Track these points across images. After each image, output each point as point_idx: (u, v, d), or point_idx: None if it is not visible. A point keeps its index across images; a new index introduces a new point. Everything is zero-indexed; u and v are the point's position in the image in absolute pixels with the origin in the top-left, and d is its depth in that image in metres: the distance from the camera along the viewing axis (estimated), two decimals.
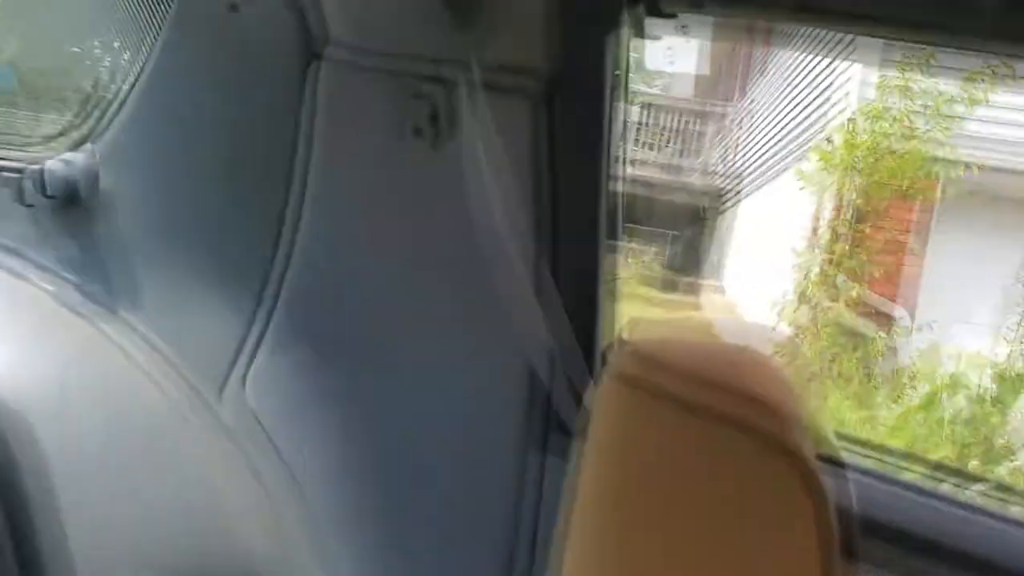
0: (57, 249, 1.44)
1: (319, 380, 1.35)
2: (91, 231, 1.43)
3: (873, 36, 1.03)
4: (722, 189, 11.69)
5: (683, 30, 1.08)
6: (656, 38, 1.03)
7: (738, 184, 11.32)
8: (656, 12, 1.01)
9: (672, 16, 1.03)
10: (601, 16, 0.99)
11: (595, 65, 1.02)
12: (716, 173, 12.14)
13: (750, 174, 10.82)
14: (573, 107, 1.06)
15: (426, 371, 1.29)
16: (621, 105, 1.07)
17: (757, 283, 9.05)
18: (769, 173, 9.75)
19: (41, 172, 1.38)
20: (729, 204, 11.38)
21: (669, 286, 9.30)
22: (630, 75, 1.08)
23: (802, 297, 7.30)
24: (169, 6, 1.28)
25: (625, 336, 0.77)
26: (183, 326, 1.42)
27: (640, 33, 1.01)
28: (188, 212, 1.40)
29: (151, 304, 1.41)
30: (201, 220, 1.39)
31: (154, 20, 1.31)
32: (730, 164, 12.02)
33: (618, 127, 1.08)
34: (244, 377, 1.38)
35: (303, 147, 1.24)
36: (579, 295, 1.12)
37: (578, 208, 1.09)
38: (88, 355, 1.40)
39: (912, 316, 7.58)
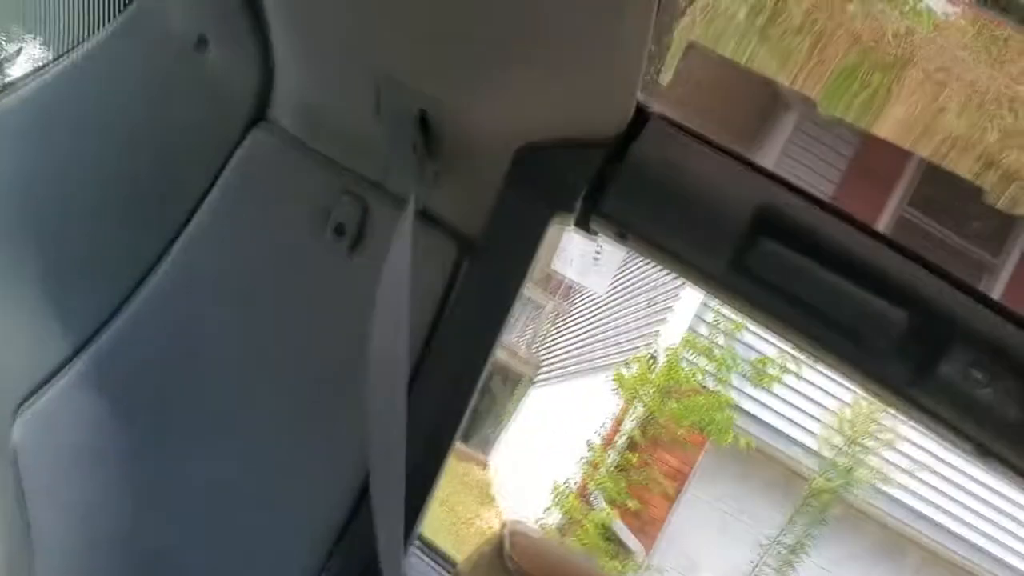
0: None
1: (109, 437, 1.23)
2: None
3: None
4: (538, 364, 12.04)
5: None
6: (594, 234, 1.08)
7: (550, 369, 11.68)
8: (584, 227, 1.06)
9: (593, 233, 1.08)
10: (555, 202, 1.03)
11: (528, 236, 1.06)
12: (536, 350, 12.52)
13: (565, 363, 11.21)
14: (495, 265, 1.08)
15: (242, 468, 1.20)
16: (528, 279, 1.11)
17: (532, 467, 9.22)
18: (580, 367, 10.13)
19: None
20: (535, 382, 11.69)
21: None
22: None
23: (561, 501, 7.46)
24: (111, 18, 1.20)
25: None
26: None
27: (584, 226, 1.06)
28: (45, 218, 1.28)
29: None
30: (58, 234, 1.28)
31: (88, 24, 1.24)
32: (549, 348, 12.44)
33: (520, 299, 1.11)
34: (18, 408, 1.24)
35: (211, 202, 1.17)
36: (427, 449, 1.09)
37: (462, 362, 1.10)
38: None
39: (646, 554, 7.88)
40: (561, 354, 11.86)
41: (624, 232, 1.03)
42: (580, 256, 8.78)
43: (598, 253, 8.66)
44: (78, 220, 1.26)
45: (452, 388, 1.09)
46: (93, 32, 1.27)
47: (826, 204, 0.98)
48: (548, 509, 7.65)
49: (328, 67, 1.04)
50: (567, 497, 7.50)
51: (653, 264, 1.18)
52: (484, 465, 10.93)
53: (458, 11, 0.81)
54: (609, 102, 0.92)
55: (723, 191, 0.99)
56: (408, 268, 0.93)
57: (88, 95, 1.24)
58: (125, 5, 1.19)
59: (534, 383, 12.05)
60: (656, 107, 0.99)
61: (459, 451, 9.51)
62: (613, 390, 7.61)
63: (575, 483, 7.69)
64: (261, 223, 1.18)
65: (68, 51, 1.25)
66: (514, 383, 12.02)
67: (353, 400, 1.12)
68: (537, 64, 0.86)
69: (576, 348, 11.19)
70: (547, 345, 12.84)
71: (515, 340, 12.36)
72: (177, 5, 1.14)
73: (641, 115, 0.97)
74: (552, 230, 1.07)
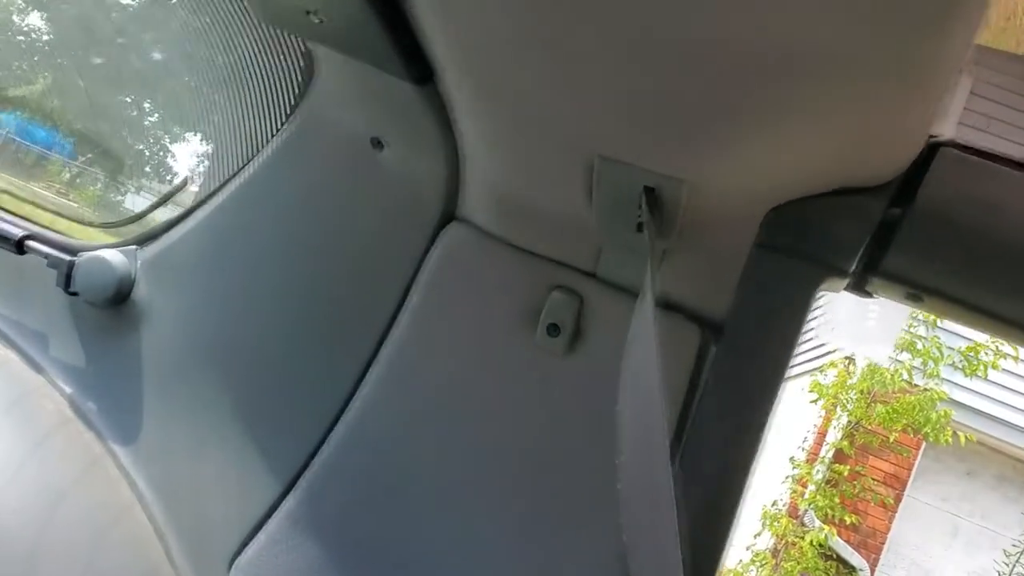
0: (86, 348, 1.24)
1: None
2: (125, 340, 1.23)
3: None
4: None
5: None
6: (871, 296, 0.89)
7: None
8: (859, 289, 0.88)
9: (867, 295, 0.90)
10: (823, 265, 0.85)
11: (792, 309, 0.87)
12: None
13: None
14: (754, 348, 0.89)
15: None
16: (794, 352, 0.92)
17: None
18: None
19: (70, 265, 1.20)
20: None
21: None
22: None
23: (771, 524, 7.08)
24: (284, 121, 1.11)
25: None
26: (203, 478, 1.19)
27: (860, 289, 0.87)
28: (239, 351, 1.20)
29: (174, 440, 1.20)
30: (253, 364, 1.19)
31: (263, 133, 1.16)
32: None
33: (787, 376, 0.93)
34: (233, 559, 1.16)
35: (410, 311, 1.07)
36: (699, 560, 0.93)
37: (722, 464, 0.92)
38: (89, 479, 1.18)
39: (872, 571, 7.38)
40: None
41: (918, 292, 0.83)
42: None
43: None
44: (271, 348, 1.17)
45: (720, 489, 0.91)
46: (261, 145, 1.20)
47: None
48: (758, 534, 7.27)
49: (527, 154, 0.90)
50: (778, 519, 7.10)
51: (957, 323, 0.95)
52: None
53: (693, 74, 0.63)
54: (897, 139, 0.71)
55: None
56: (657, 361, 0.76)
57: (263, 214, 1.15)
58: (290, 114, 1.10)
59: None
60: (945, 133, 0.76)
61: None
62: (811, 401, 7.18)
63: (784, 503, 7.28)
64: (466, 328, 1.07)
65: (239, 170, 1.17)
66: None
67: (596, 506, 1.01)
68: (797, 114, 0.66)
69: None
70: None
71: None
72: (348, 106, 1.04)
73: (927, 146, 0.76)
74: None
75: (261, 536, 1.15)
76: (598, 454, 1.00)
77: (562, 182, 0.88)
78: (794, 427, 7.71)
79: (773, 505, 7.26)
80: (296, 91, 1.08)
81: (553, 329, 1.01)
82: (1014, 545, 6.92)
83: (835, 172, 0.76)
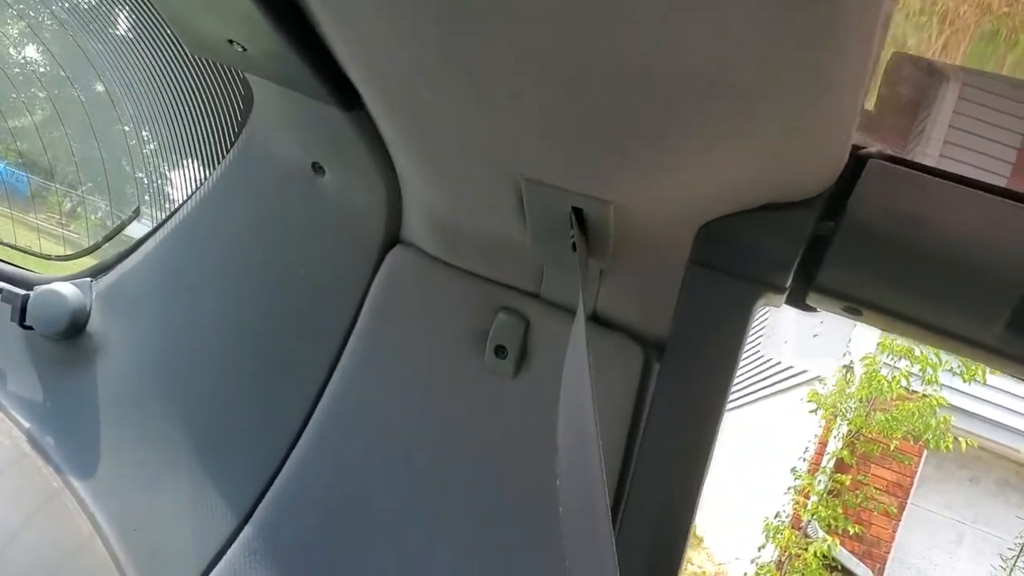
0: (43, 381, 1.23)
1: None
2: (81, 373, 1.22)
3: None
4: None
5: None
6: (812, 310, 0.87)
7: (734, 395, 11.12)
8: (799, 303, 0.87)
9: (811, 309, 0.89)
10: (759, 280, 0.84)
11: (732, 324, 0.86)
12: None
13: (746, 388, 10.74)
14: (696, 363, 0.88)
15: None
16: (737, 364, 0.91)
17: (737, 503, 8.80)
18: (771, 388, 9.62)
19: (24, 299, 1.19)
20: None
21: None
22: None
23: (774, 536, 7.03)
24: (227, 149, 1.11)
25: None
26: (160, 510, 1.18)
27: (799, 303, 0.86)
28: (193, 382, 1.19)
29: (131, 473, 1.19)
30: (206, 395, 1.18)
31: (208, 161, 1.16)
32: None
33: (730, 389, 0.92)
34: None
35: (359, 337, 1.07)
36: None
37: (675, 477, 0.91)
38: (46, 514, 1.17)
39: None
40: (742, 378, 11.39)
41: (855, 305, 0.82)
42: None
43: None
44: (224, 378, 1.16)
45: (667, 508, 0.90)
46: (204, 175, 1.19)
47: None
48: (762, 547, 7.23)
49: (456, 178, 0.90)
50: (781, 531, 7.06)
51: (896, 337, 0.93)
52: None
53: (611, 96, 0.63)
54: (819, 153, 0.71)
55: (986, 236, 0.75)
56: (590, 381, 0.75)
57: (211, 242, 1.15)
58: (232, 143, 1.10)
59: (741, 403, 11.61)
60: (872, 145, 0.77)
61: None
62: (811, 411, 7.15)
63: (786, 515, 7.24)
64: (415, 352, 1.06)
65: (186, 200, 1.17)
66: None
67: (542, 531, 1.00)
68: (721, 132, 0.65)
69: (754, 371, 10.73)
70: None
71: None
72: (286, 133, 1.04)
73: (854, 159, 0.76)
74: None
75: (220, 568, 1.14)
76: (550, 475, 1.00)
77: (494, 205, 0.87)
78: (795, 438, 7.68)
79: (776, 517, 7.22)
80: (238, 119, 1.08)
81: (501, 351, 1.01)
82: (1009, 549, 6.88)
83: (761, 188, 0.75)
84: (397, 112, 0.81)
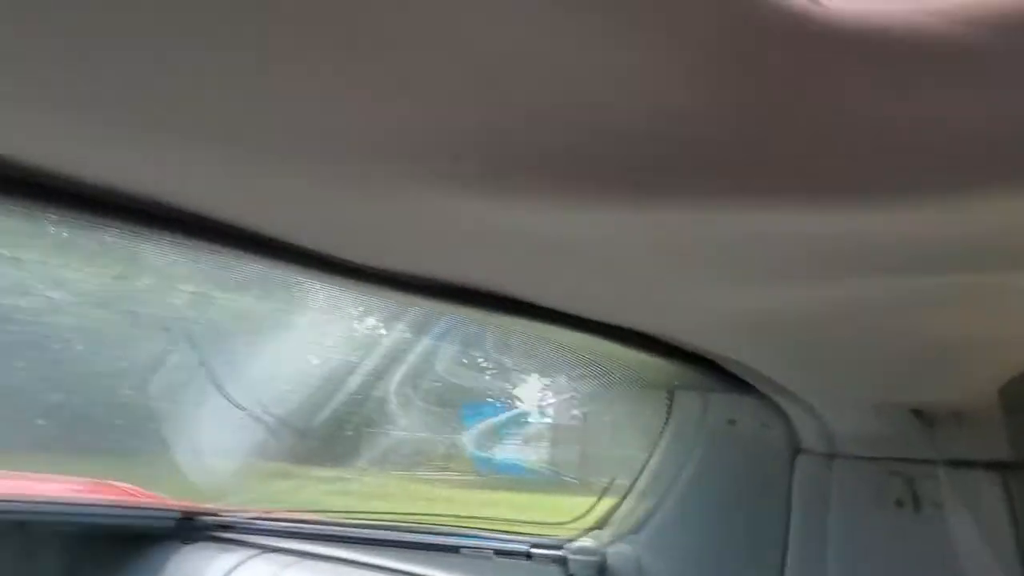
0: None
1: None
2: None
3: None
4: None
5: None
6: None
7: None
8: None
9: None
10: None
11: None
12: None
13: None
14: None
15: None
16: None
17: None
18: None
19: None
20: None
21: None
22: None
23: None
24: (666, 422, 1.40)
25: None
26: None
27: None
28: None
29: None
30: None
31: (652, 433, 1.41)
32: None
33: None
34: None
35: (796, 523, 1.25)
36: None
37: None
38: None
39: None
40: None
41: None
42: None
43: None
44: None
45: None
46: None
47: None
48: None
49: (841, 407, 1.16)
50: None
51: None
52: None
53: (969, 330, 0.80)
54: None
55: None
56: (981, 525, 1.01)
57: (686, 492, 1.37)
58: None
59: None
60: None
61: None
62: None
63: None
64: (841, 527, 1.21)
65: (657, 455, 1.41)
66: None
67: None
68: None
69: None
70: None
71: None
72: (710, 402, 1.34)
73: None
74: None
75: None
76: None
77: (864, 418, 1.15)
78: None
79: None
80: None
81: (899, 502, 1.15)
82: None
83: None
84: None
